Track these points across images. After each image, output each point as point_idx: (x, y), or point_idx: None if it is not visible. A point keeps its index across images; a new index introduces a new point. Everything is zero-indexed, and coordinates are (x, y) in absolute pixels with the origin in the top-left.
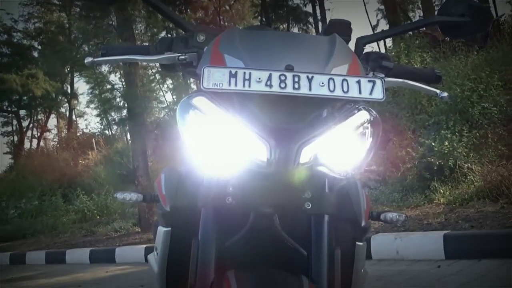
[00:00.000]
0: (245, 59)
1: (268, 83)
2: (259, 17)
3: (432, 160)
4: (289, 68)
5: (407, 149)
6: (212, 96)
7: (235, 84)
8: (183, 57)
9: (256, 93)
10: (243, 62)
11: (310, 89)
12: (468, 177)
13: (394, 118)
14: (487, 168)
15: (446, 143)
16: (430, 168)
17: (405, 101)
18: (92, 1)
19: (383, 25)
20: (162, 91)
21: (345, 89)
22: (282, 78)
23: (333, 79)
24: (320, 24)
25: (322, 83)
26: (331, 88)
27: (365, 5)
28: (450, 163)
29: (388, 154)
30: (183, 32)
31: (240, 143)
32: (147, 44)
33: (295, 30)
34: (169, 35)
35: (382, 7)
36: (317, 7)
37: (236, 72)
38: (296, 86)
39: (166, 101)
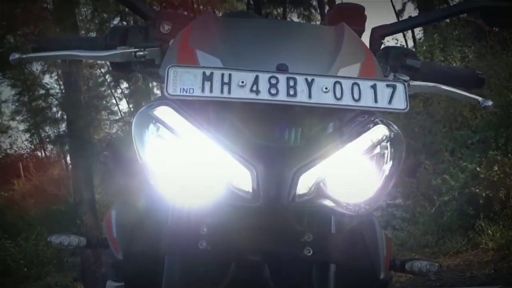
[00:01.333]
0: (223, 56)
1: (254, 88)
2: None
3: (477, 190)
4: (282, 69)
5: (444, 176)
6: (180, 105)
7: (211, 90)
8: (141, 53)
9: (239, 101)
10: (221, 60)
11: (309, 96)
12: None
13: (426, 135)
14: None
15: (496, 168)
16: (475, 201)
17: (441, 112)
18: None
19: (411, 10)
20: (115, 98)
21: (356, 96)
22: (273, 81)
23: (340, 83)
24: (327, 8)
25: (326, 88)
26: (338, 95)
27: None
28: (501, 194)
29: (418, 183)
30: (142, 20)
31: (217, 168)
32: (94, 35)
33: (294, 17)
34: (123, 23)
35: None
36: None
37: (211, 73)
38: (292, 92)
39: (120, 111)
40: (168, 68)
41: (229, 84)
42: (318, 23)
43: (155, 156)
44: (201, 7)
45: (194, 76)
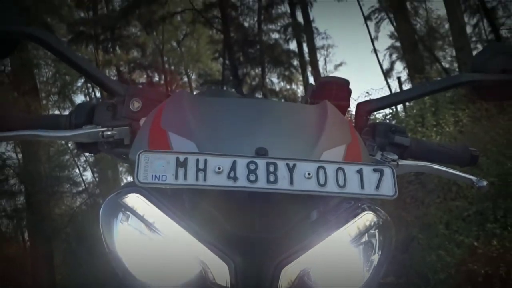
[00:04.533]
0: (199, 140)
1: (232, 174)
2: (220, 58)
3: (476, 267)
4: (262, 153)
5: (439, 252)
6: (151, 192)
7: (185, 177)
8: (109, 132)
9: (215, 189)
10: (196, 144)
11: (291, 183)
12: None
13: (419, 206)
14: None
15: (495, 242)
16: (473, 279)
17: (434, 181)
18: None
19: (400, 69)
20: (78, 168)
21: (341, 183)
22: (252, 167)
23: (324, 168)
24: (309, 69)
25: (309, 173)
26: (321, 181)
27: (373, 43)
28: (501, 271)
29: (411, 260)
30: (110, 96)
31: (192, 261)
32: (56, 113)
33: (274, 78)
34: (90, 99)
35: (398, 44)
36: (305, 45)
37: (186, 159)
38: (272, 178)
39: (84, 182)
40: (139, 154)
41: (204, 170)
42: (300, 87)
43: (124, 247)
44: (172, 67)
45: (167, 162)
